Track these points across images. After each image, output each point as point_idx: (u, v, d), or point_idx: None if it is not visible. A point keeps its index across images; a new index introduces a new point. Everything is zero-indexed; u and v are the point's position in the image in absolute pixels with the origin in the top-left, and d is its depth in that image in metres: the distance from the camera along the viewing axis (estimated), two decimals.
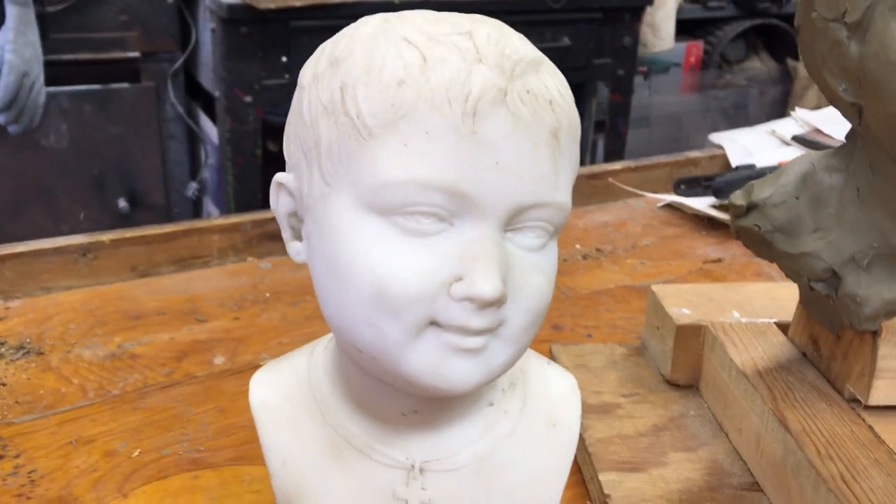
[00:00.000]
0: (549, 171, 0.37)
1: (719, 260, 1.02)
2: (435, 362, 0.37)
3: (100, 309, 0.83)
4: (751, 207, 0.56)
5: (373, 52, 0.36)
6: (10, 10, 1.53)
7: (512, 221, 0.37)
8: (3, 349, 0.74)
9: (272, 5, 1.68)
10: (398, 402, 0.41)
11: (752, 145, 1.36)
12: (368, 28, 0.38)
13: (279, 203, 0.41)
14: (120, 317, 0.82)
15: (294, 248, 0.41)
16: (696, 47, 3.02)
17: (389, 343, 0.36)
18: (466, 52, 0.36)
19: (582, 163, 1.21)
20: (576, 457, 0.56)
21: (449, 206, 0.35)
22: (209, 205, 2.07)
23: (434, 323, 0.36)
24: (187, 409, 0.66)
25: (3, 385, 0.69)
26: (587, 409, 0.62)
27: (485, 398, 0.44)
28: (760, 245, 0.57)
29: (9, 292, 0.85)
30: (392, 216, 0.36)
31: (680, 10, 2.75)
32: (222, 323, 0.82)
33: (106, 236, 0.91)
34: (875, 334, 0.54)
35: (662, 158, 1.29)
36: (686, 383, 0.67)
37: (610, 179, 1.21)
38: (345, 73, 0.37)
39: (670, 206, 1.17)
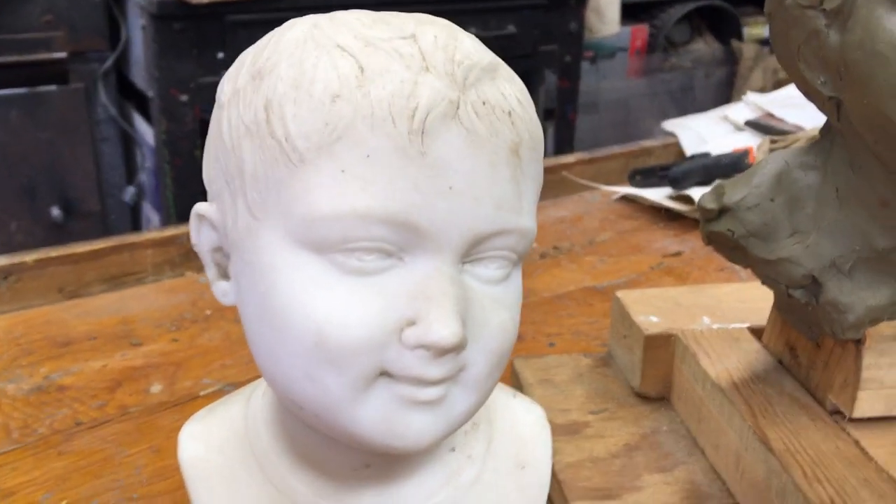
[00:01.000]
0: (510, 193, 0.32)
1: (679, 253, 0.99)
2: (387, 418, 0.32)
3: (24, 336, 0.77)
4: (723, 211, 0.52)
5: (301, 62, 0.31)
6: None
7: (470, 252, 0.32)
8: None
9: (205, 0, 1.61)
10: (348, 456, 0.36)
11: (705, 132, 1.34)
12: (295, 33, 0.32)
13: (201, 237, 0.36)
14: (47, 344, 0.75)
15: (220, 289, 0.36)
16: (642, 31, 3.00)
17: (334, 399, 0.31)
18: (411, 59, 0.31)
19: None
20: None
21: (396, 239, 0.31)
22: (148, 209, 1.99)
23: (385, 373, 0.32)
24: (119, 451, 0.61)
25: None
26: (555, 430, 0.57)
27: (446, 443, 0.39)
28: (733, 251, 0.53)
29: None
30: (330, 253, 0.31)
31: None
32: (159, 346, 0.76)
33: (29, 256, 0.84)
34: (859, 343, 0.51)
35: (616, 149, 1.26)
36: (657, 395, 0.63)
37: (564, 173, 1.17)
38: (269, 88, 0.31)
39: (626, 198, 1.14)
